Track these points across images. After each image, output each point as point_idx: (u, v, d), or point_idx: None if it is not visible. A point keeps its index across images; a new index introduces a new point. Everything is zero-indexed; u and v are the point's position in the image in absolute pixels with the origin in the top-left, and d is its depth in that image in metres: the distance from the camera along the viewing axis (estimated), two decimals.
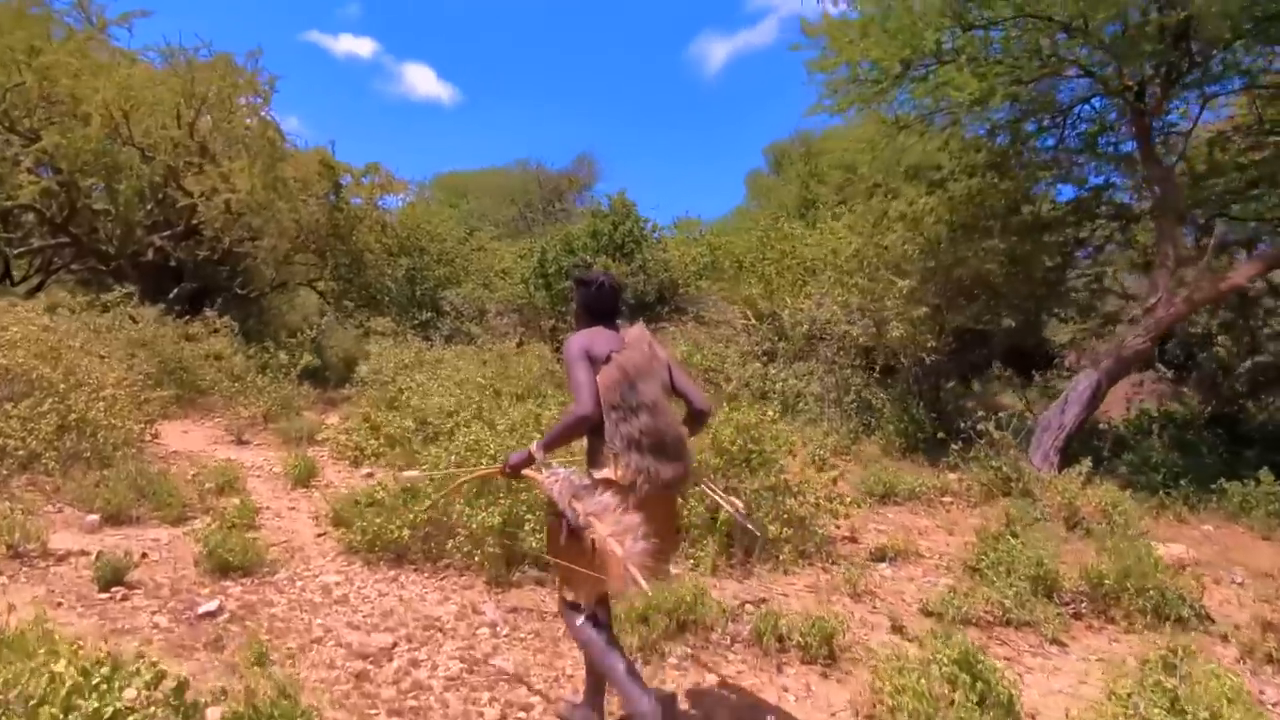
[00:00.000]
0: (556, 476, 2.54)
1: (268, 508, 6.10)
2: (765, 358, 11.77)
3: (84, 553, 4.64)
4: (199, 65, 14.02)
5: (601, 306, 2.79)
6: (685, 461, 2.60)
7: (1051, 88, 7.75)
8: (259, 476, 7.49)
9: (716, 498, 3.02)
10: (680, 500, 3.03)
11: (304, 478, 7.16)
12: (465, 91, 67.31)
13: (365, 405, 10.57)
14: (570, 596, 2.65)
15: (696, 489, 3.77)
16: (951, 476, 7.13)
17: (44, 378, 6.26)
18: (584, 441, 2.67)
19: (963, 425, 7.88)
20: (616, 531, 2.37)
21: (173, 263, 16.57)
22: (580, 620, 2.61)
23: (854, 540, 5.28)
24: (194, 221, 16.31)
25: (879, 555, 4.95)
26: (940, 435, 8.42)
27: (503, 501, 4.49)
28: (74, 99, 13.11)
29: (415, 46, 69.16)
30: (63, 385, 6.35)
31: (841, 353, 10.55)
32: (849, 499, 4.94)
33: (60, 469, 5.99)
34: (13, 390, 6.10)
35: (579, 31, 74.46)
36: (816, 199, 17.98)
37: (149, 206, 15.84)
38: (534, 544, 4.39)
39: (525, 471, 2.65)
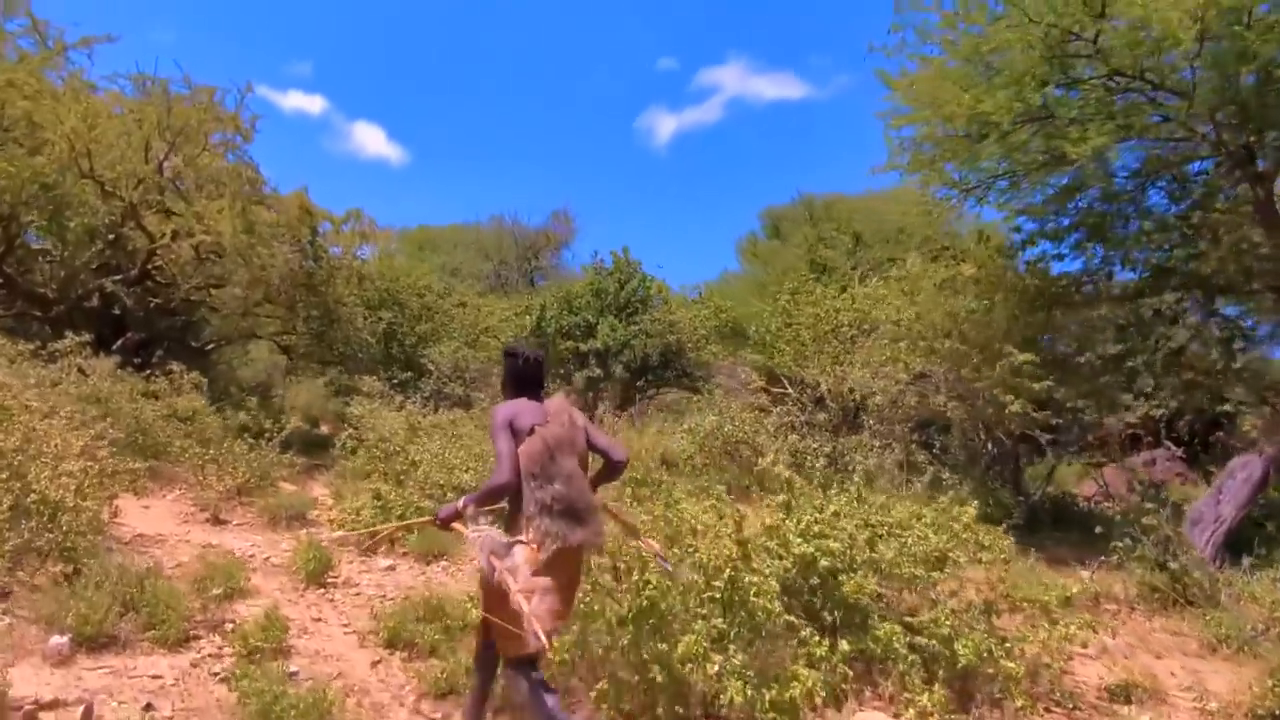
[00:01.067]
0: (480, 533, 2.74)
1: (289, 619, 4.75)
2: (804, 428, 10.88)
3: (57, 704, 3.29)
4: (176, 97, 12.79)
5: (527, 378, 3.08)
6: (595, 526, 2.87)
7: (1159, 148, 7.32)
8: (256, 570, 6.08)
9: (641, 545, 3.40)
10: (587, 562, 3.19)
11: (318, 573, 5.81)
12: (414, 152, 67.10)
13: (363, 477, 9.23)
14: (509, 652, 2.81)
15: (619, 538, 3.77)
16: (1084, 576, 6.23)
17: None
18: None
19: (1044, 507, 7.08)
20: (525, 589, 2.61)
21: (116, 310, 14.90)
22: (523, 682, 2.77)
23: (1066, 670, 4.27)
24: (150, 265, 14.80)
25: (1119, 694, 3.95)
26: (1016, 521, 7.61)
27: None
28: (30, 123, 11.69)
29: (365, 106, 68.93)
30: (18, 456, 4.94)
31: (894, 424, 9.74)
32: (1069, 621, 3.94)
33: (7, 568, 4.57)
34: None
35: (528, 99, 75.41)
36: (826, 263, 17.57)
37: (99, 247, 14.25)
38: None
39: (454, 525, 2.88)
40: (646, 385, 15.66)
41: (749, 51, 75.16)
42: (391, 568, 6.48)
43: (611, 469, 3.09)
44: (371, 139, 61.04)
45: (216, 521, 7.80)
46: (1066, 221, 8.81)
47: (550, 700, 2.72)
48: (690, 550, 3.72)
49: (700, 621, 3.40)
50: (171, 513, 7.95)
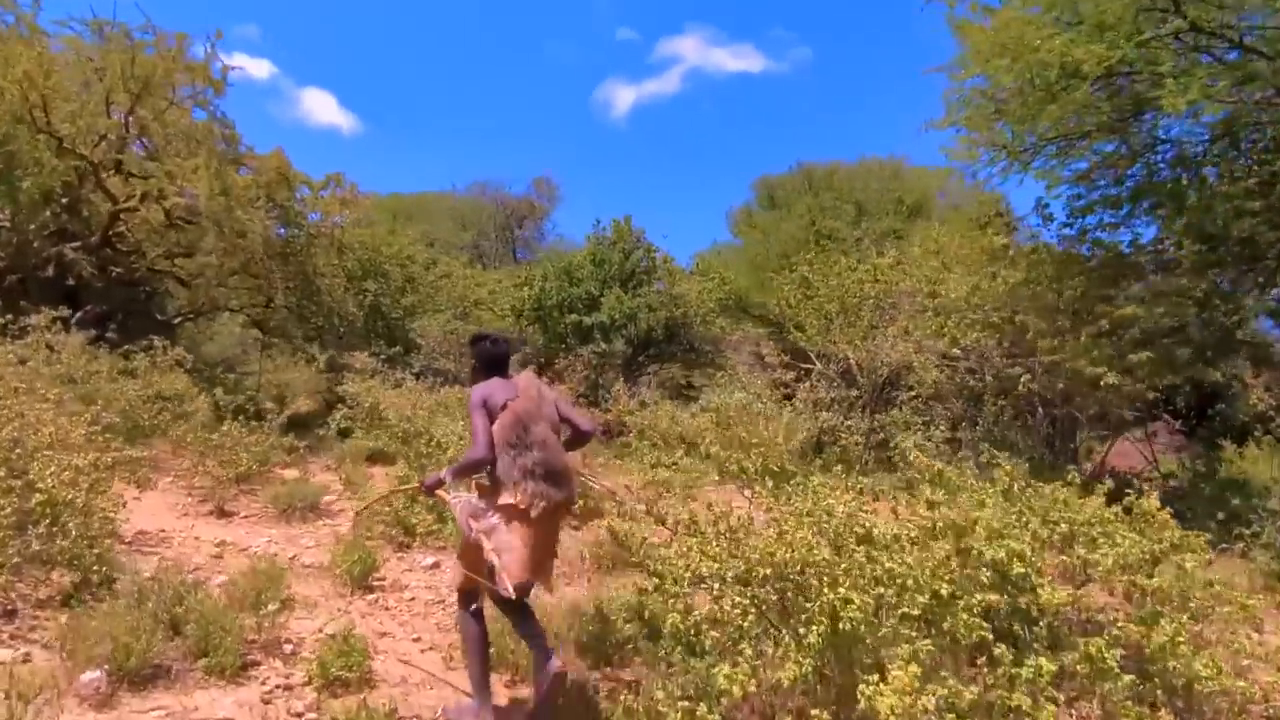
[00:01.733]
0: (459, 498, 3.17)
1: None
2: (834, 405, 10.44)
3: None
4: (139, 44, 11.59)
5: (495, 359, 3.39)
6: (571, 486, 3.18)
7: (1244, 107, 6.92)
8: (289, 572, 5.39)
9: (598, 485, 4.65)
10: (564, 518, 3.39)
11: (363, 576, 5.15)
12: (366, 121, 64.59)
13: (363, 459, 8.54)
14: (461, 586, 3.28)
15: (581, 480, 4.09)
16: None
17: None
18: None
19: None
20: (498, 547, 3.00)
21: (69, 281, 13.72)
22: (466, 611, 3.28)
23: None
24: (112, 231, 13.62)
25: None
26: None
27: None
28: None
29: (315, 72, 65.96)
30: (14, 449, 4.18)
31: (935, 400, 9.35)
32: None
33: (9, 582, 3.88)
34: None
35: (483, 69, 73.11)
36: (830, 233, 17.09)
37: (54, 211, 13.02)
38: None
39: (437, 492, 3.28)
40: (648, 360, 15.07)
41: (709, 22, 73.95)
42: (436, 565, 5.84)
43: (579, 437, 3.41)
44: (322, 106, 58.46)
45: (221, 514, 7.06)
46: (1121, 189, 8.42)
47: (480, 667, 3.18)
48: (870, 561, 3.18)
49: (904, 645, 2.87)
50: (167, 505, 7.17)
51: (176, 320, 16.87)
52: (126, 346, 9.82)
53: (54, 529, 4.11)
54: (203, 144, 12.04)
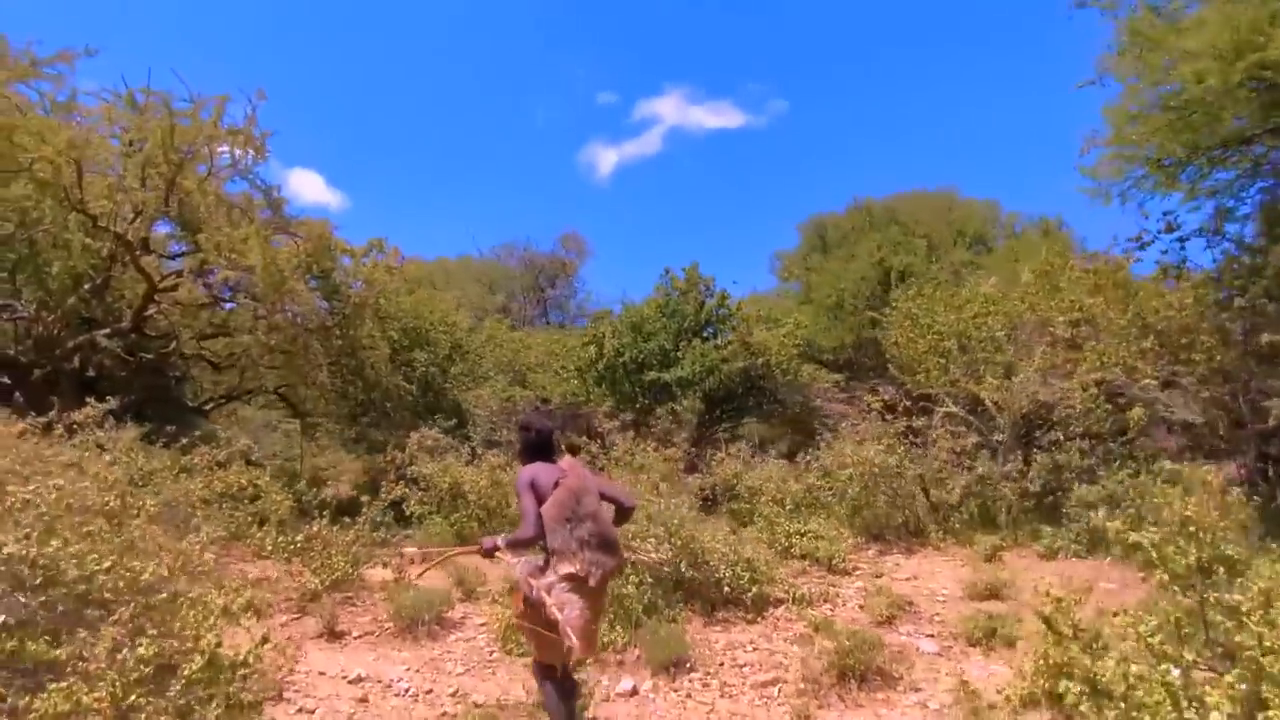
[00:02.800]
0: (519, 559, 3.47)
1: None
2: (979, 452, 9.35)
3: None
4: (178, 112, 10.83)
5: (540, 446, 3.66)
6: (620, 554, 3.52)
7: None
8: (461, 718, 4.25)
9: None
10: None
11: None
12: (354, 198, 64.88)
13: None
14: (540, 658, 3.50)
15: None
16: None
17: (115, 571, 3.04)
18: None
19: None
20: (558, 603, 3.23)
21: (90, 371, 12.73)
22: (547, 683, 3.50)
23: None
24: (144, 314, 12.67)
25: None
26: None
27: None
28: (10, 144, 9.63)
29: (301, 154, 66.48)
30: (155, 591, 3.12)
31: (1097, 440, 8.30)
32: None
33: None
34: (64, 606, 2.89)
35: (467, 138, 73.90)
36: (906, 269, 16.24)
37: (83, 296, 12.11)
38: None
39: (499, 553, 3.46)
40: (723, 416, 14.00)
41: (686, 81, 75.34)
42: (633, 691, 4.66)
43: (623, 513, 3.67)
44: (309, 186, 58.60)
45: (332, 635, 5.87)
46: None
47: (567, 703, 3.44)
48: None
49: None
50: (267, 625, 5.98)
51: (208, 406, 15.81)
52: (170, 441, 8.74)
53: (209, 695, 3.00)
54: (246, 213, 11.22)
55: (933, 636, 5.46)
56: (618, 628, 5.37)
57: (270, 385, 15.53)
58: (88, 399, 9.12)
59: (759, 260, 71.78)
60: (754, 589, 6.32)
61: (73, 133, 9.77)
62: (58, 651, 2.97)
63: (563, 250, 26.81)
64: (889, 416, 10.58)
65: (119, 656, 2.94)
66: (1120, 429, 8.50)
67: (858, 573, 7.86)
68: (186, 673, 2.97)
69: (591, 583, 3.28)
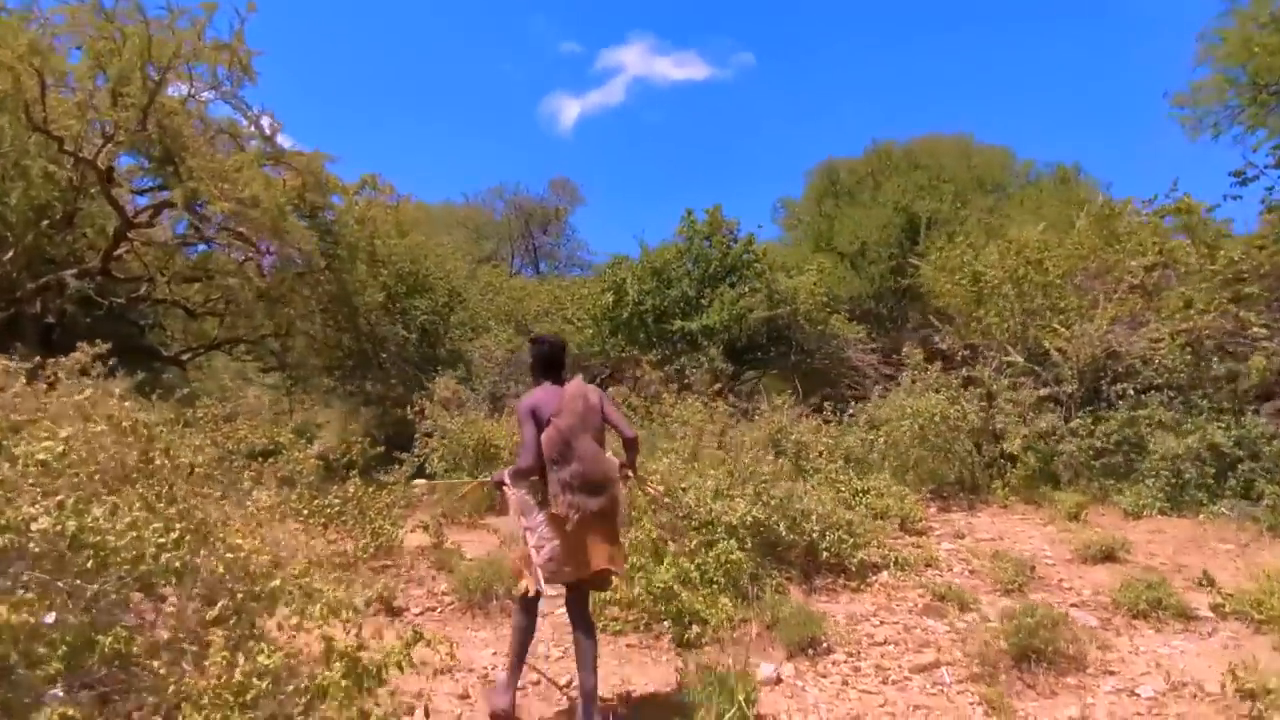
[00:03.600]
0: (515, 494, 3.50)
1: None
2: (1053, 406, 8.85)
3: None
4: (155, 21, 9.52)
5: (552, 362, 3.61)
6: (609, 494, 3.44)
7: None
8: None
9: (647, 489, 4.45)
10: (617, 518, 3.57)
11: None
12: (309, 148, 61.66)
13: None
14: (520, 584, 3.55)
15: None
16: None
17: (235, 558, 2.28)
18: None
19: None
20: (537, 543, 3.39)
21: (50, 317, 11.61)
22: (520, 611, 3.62)
23: None
24: (116, 253, 11.47)
25: None
26: None
27: None
28: None
29: (265, 102, 62.75)
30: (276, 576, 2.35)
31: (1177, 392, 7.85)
32: None
33: None
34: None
35: (428, 88, 70.54)
36: (933, 216, 15.56)
37: (47, 230, 10.87)
38: None
39: (503, 486, 3.56)
40: (746, 366, 13.36)
41: (650, 31, 72.69)
42: (777, 679, 4.02)
43: (627, 445, 3.67)
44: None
45: (390, 610, 5.13)
46: None
47: (516, 658, 3.59)
48: None
49: None
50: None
51: (185, 356, 14.63)
52: (183, 391, 7.80)
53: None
54: (235, 140, 10.04)
55: (1077, 606, 4.92)
56: (723, 599, 4.73)
57: (251, 335, 14.39)
58: (52, 346, 8.07)
59: (732, 213, 70.53)
60: (858, 554, 5.73)
61: (34, 36, 8.48)
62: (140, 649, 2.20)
63: (553, 196, 25.59)
64: (928, 368, 10.05)
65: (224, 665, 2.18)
66: (1201, 380, 8.05)
67: (935, 533, 7.35)
68: (318, 682, 2.22)
69: (568, 526, 3.32)
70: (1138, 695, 3.62)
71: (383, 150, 63.67)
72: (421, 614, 5.20)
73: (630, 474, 3.80)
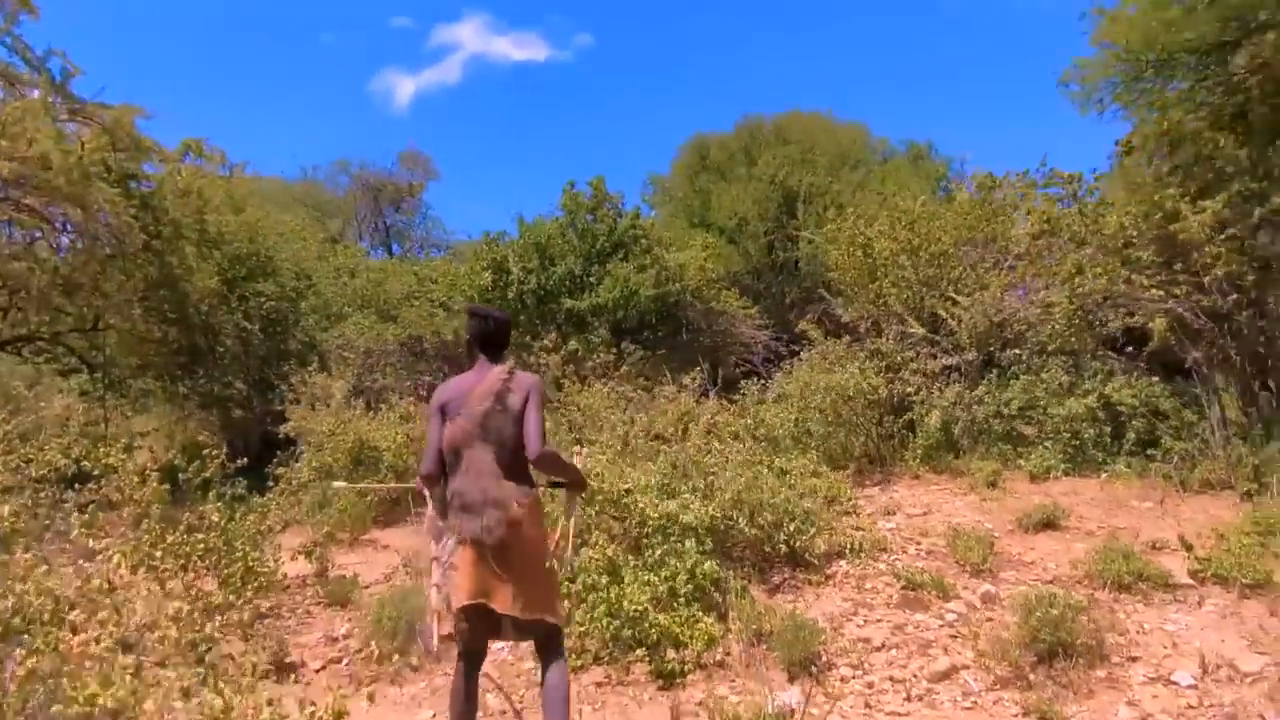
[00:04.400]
0: (426, 515, 2.94)
1: None
2: (951, 375, 8.93)
3: None
4: None
5: (487, 341, 2.92)
6: (487, 519, 2.67)
7: None
8: None
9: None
10: (511, 546, 2.71)
11: None
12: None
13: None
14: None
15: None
16: None
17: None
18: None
19: None
20: (437, 580, 2.80)
21: None
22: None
23: None
24: None
25: None
26: None
27: None
28: None
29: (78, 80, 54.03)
30: None
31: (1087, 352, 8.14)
32: None
33: None
34: None
35: (254, 61, 64.21)
36: (810, 191, 15.52)
37: None
38: None
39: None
40: (635, 346, 12.80)
41: (486, 8, 70.27)
42: (790, 710, 3.44)
43: (532, 464, 2.84)
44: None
45: (282, 669, 4.08)
46: None
47: (462, 684, 2.80)
48: None
49: None
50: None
51: None
52: None
53: None
54: (14, 85, 8.00)
55: (1053, 583, 4.71)
56: (705, 618, 4.09)
57: (47, 331, 11.98)
58: None
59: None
60: (818, 544, 5.29)
61: None
62: None
63: (404, 170, 23.53)
64: (837, 341, 9.95)
65: None
66: (1094, 343, 8.36)
67: (866, 512, 7.10)
68: None
69: (453, 555, 2.74)
70: (1176, 684, 3.36)
71: (201, 122, 57.15)
72: (322, 669, 4.17)
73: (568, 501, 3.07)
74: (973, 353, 8.81)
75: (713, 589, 4.44)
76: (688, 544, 4.52)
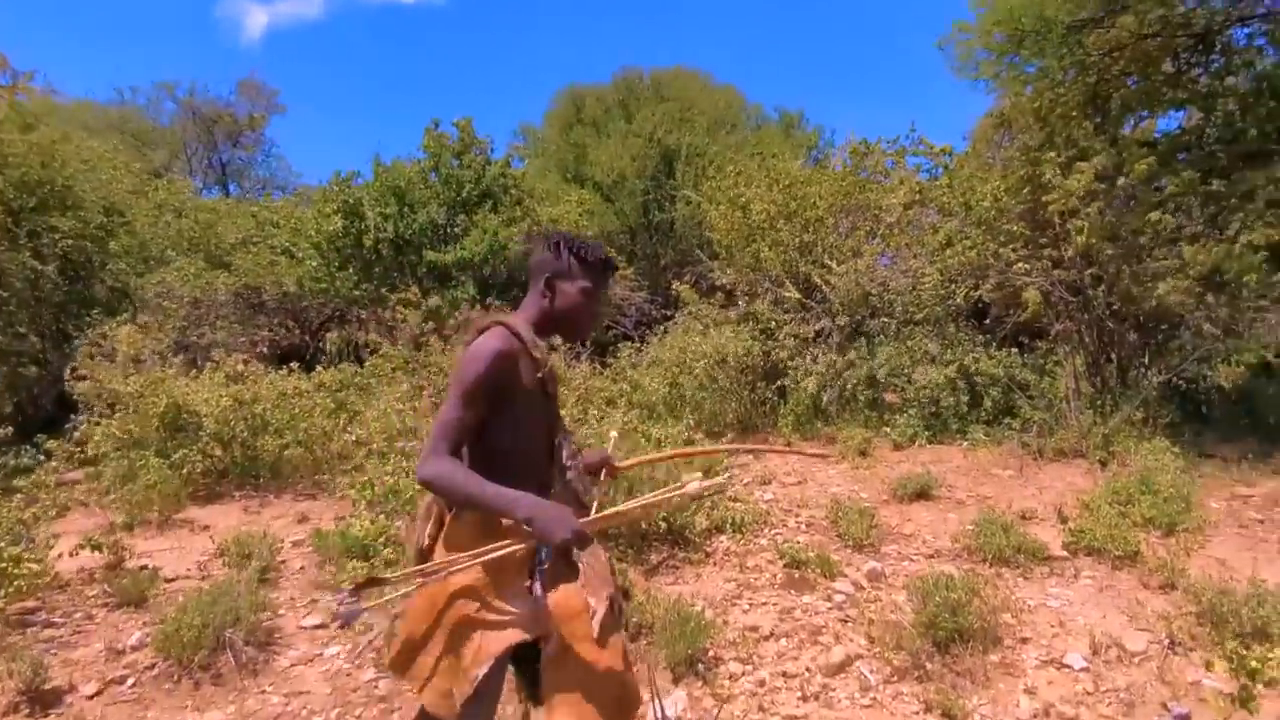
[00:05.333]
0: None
1: None
2: (824, 341, 8.87)
3: None
4: None
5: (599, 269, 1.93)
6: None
7: None
8: None
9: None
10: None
11: None
12: None
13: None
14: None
15: None
16: None
17: None
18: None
19: None
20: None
21: None
22: None
23: None
24: None
25: None
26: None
27: None
28: None
29: None
30: None
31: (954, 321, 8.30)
32: None
33: None
34: None
35: None
36: (689, 149, 14.98)
37: None
38: None
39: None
40: (505, 306, 12.02)
41: None
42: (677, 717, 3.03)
43: None
44: None
45: (39, 702, 3.21)
46: None
47: None
48: None
49: None
50: None
51: None
52: None
53: None
54: None
55: (935, 558, 4.58)
56: None
57: None
58: None
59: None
60: (699, 520, 4.92)
61: None
62: None
63: (244, 100, 20.86)
64: (711, 303, 9.69)
65: None
66: (958, 314, 8.52)
67: (743, 481, 6.85)
68: None
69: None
70: (1069, 666, 3.22)
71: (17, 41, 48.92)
72: (99, 694, 3.32)
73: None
74: (844, 319, 8.78)
75: None
76: None
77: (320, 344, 11.30)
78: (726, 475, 3.24)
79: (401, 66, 61.43)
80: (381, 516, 4.50)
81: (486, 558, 1.75)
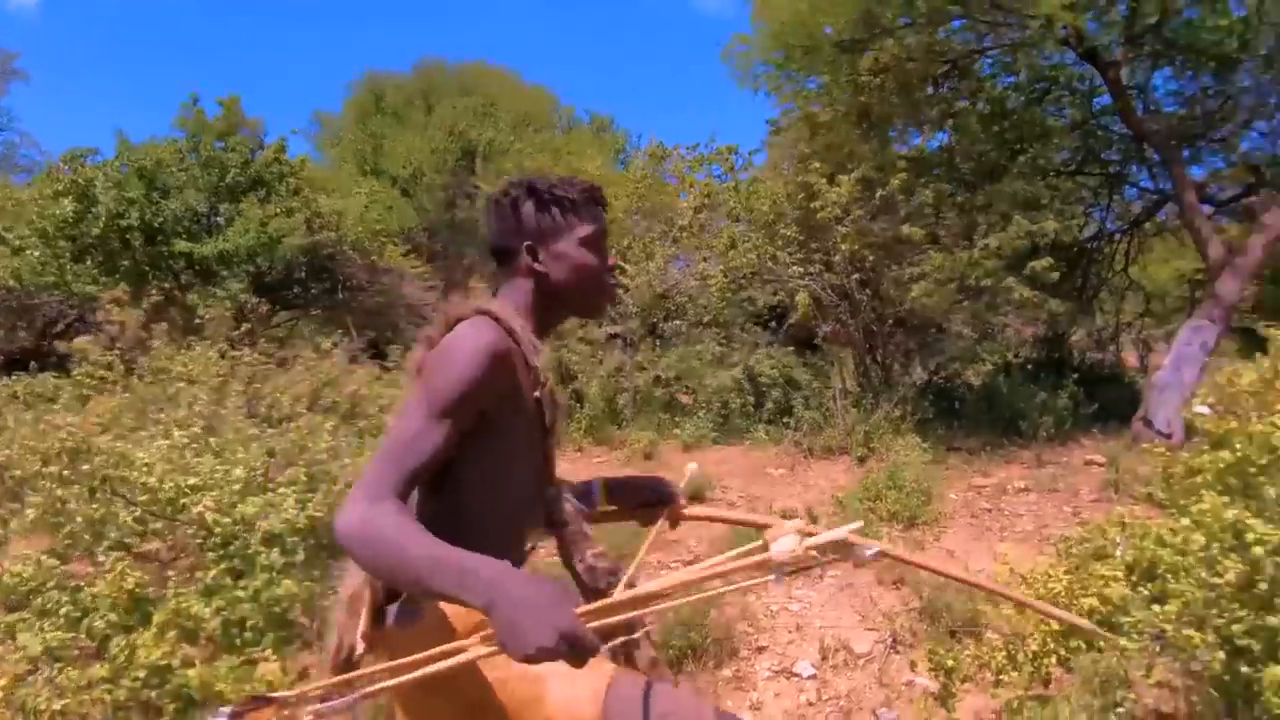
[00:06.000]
0: None
1: None
2: (617, 344, 8.74)
3: None
4: None
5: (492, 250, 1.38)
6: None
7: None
8: None
9: None
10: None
11: None
12: None
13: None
14: None
15: None
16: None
17: None
18: None
19: None
20: None
21: None
22: None
23: None
24: None
25: None
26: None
27: None
28: None
29: None
30: None
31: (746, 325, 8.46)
32: None
33: None
34: None
35: None
36: (490, 146, 14.29)
37: None
38: None
39: None
40: (280, 306, 10.92)
41: None
42: None
43: None
44: None
45: None
46: None
47: None
48: None
49: None
50: None
51: None
52: None
53: None
54: None
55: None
56: (266, 664, 3.06)
57: None
58: None
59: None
60: None
61: None
62: None
63: None
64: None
65: None
66: (743, 316, 8.70)
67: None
68: None
69: None
70: (798, 675, 3.15)
71: None
72: None
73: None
74: (636, 322, 8.71)
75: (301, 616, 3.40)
76: (272, 556, 3.41)
77: (49, 345, 9.60)
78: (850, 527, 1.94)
79: (178, 49, 55.51)
80: None
81: (440, 666, 0.96)
